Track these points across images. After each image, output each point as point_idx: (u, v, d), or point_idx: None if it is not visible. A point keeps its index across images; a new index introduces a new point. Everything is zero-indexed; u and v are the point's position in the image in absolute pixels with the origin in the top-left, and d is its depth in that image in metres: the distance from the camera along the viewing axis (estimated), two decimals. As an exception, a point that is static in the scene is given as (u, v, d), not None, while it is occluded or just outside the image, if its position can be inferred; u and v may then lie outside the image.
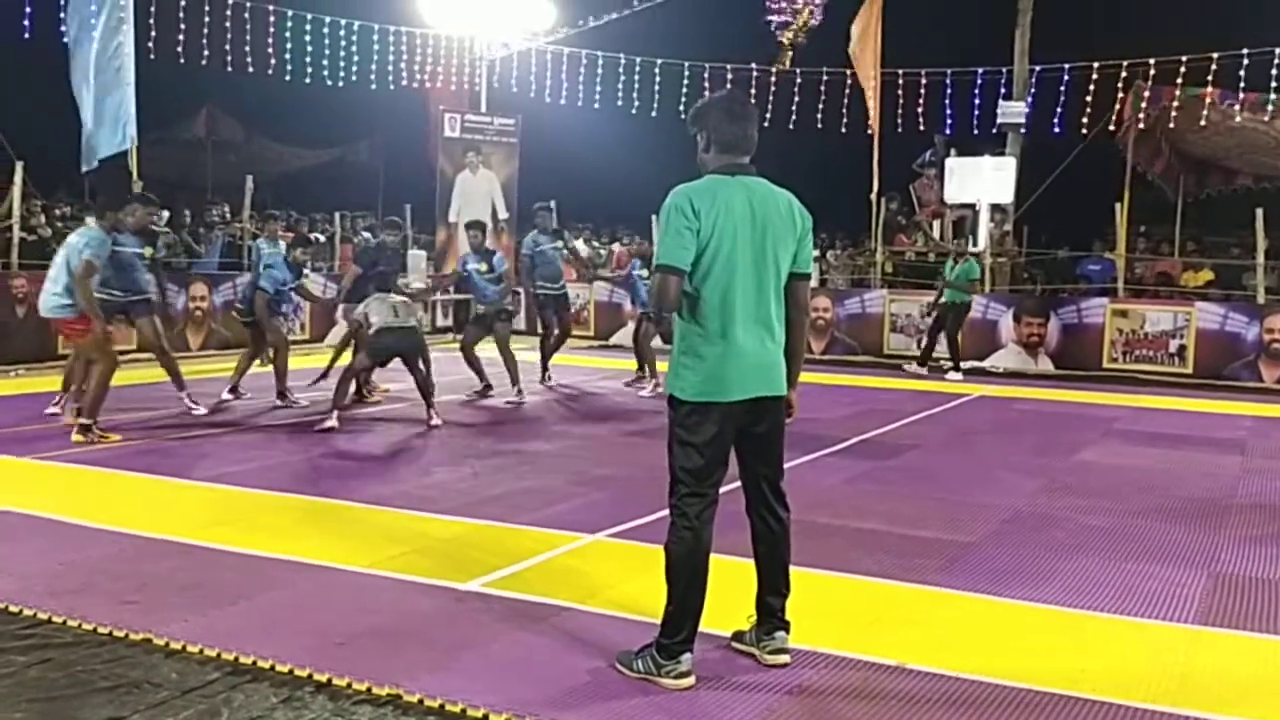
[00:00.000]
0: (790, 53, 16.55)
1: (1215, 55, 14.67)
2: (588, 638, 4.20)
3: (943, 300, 13.85)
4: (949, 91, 16.99)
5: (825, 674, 3.93)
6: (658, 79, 17.89)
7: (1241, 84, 14.64)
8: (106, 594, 4.54)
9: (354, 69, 17.03)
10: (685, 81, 17.74)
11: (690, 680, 3.78)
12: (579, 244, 18.19)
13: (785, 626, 4.04)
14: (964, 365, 14.67)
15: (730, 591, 4.22)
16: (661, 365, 7.94)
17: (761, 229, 3.81)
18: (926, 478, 7.57)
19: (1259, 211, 14.56)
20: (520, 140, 17.92)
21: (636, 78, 17.96)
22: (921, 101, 17.04)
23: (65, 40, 13.62)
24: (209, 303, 14.31)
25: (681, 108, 17.74)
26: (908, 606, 4.74)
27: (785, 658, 3.98)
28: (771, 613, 4.04)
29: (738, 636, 4.13)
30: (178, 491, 6.57)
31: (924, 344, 14.42)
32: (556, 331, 12.33)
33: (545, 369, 12.13)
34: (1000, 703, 3.71)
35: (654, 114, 17.97)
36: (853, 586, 5.00)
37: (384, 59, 17.33)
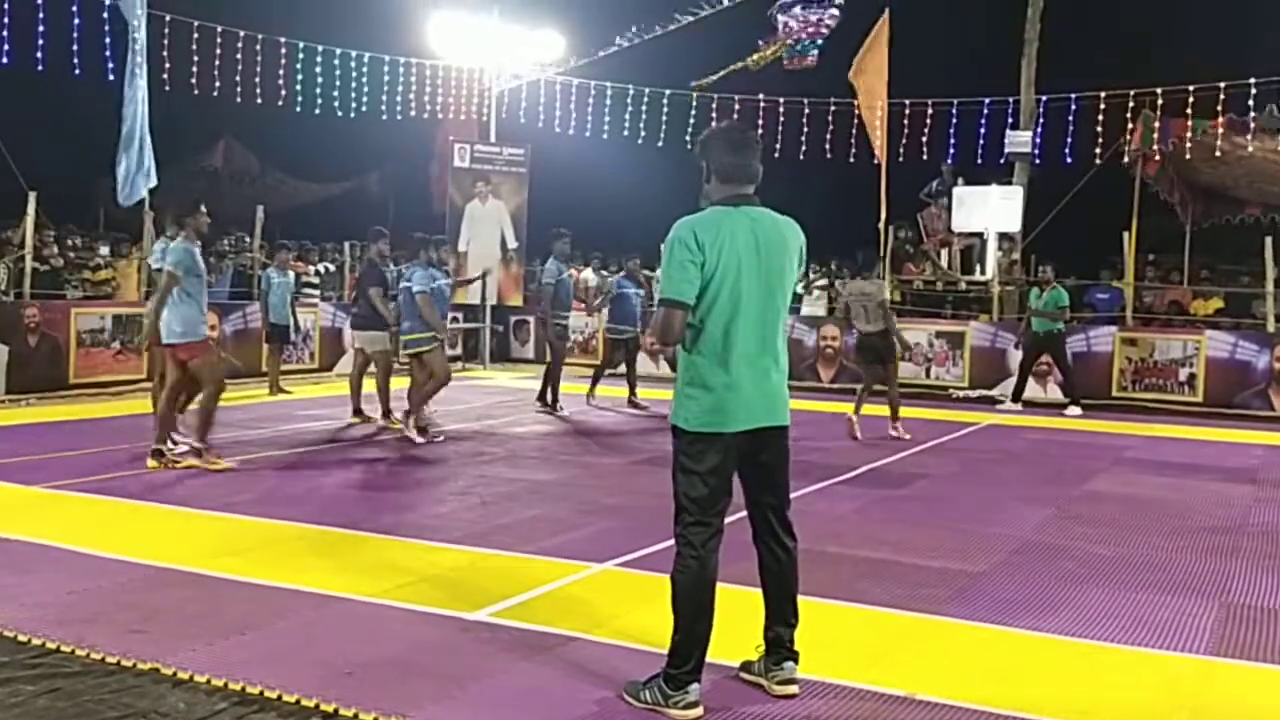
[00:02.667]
0: (753, 62, 16.60)
1: (1223, 85, 14.71)
2: (595, 668, 4.19)
3: (1033, 330, 13.74)
4: (955, 121, 17.05)
5: (835, 705, 3.91)
6: (665, 109, 18.02)
7: (1251, 114, 14.66)
8: (115, 623, 4.54)
9: (364, 100, 17.18)
10: (693, 111, 17.86)
11: (698, 711, 3.76)
12: (588, 273, 18.26)
13: (794, 657, 4.02)
14: (974, 394, 14.66)
15: (739, 621, 4.21)
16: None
17: (766, 260, 3.82)
18: (936, 507, 7.55)
19: (1268, 240, 14.55)
20: (529, 170, 18.03)
21: (644, 108, 18.08)
22: (928, 131, 17.11)
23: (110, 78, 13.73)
24: (219, 331, 14.37)
25: (689, 137, 17.87)
26: (917, 637, 4.72)
27: (794, 688, 3.97)
28: (780, 643, 4.02)
29: (746, 667, 4.11)
30: (187, 521, 6.58)
31: (1016, 379, 14.04)
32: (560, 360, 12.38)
33: (558, 398, 12.17)
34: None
35: (660, 144, 18.07)
36: (862, 616, 4.98)
37: (394, 90, 17.49)
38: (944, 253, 17.05)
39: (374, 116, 17.59)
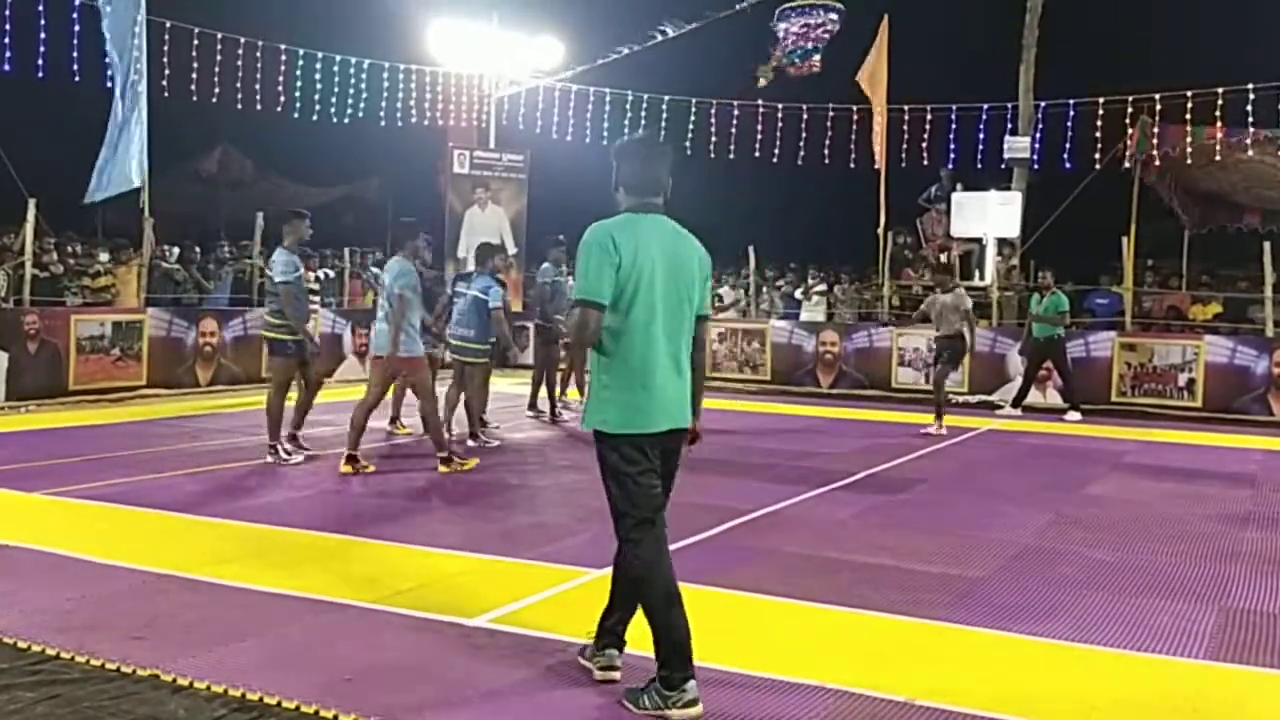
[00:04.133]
0: (767, 76, 16.63)
1: (1221, 90, 14.74)
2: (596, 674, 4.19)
3: (1034, 336, 13.77)
4: (954, 127, 17.09)
5: (835, 709, 3.91)
6: (665, 115, 18.05)
7: (1250, 119, 14.68)
8: (114, 630, 4.54)
9: (363, 107, 17.22)
10: (692, 117, 17.90)
11: (698, 709, 3.78)
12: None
13: (620, 645, 4.13)
14: (973, 399, 14.67)
15: (739, 626, 4.21)
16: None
17: (675, 267, 3.93)
18: (935, 512, 7.55)
19: (1267, 245, 14.57)
20: (529, 176, 18.05)
21: (644, 113, 18.12)
22: (927, 137, 17.14)
23: (110, 84, 13.77)
24: (219, 338, 14.38)
25: (689, 143, 17.90)
26: (916, 642, 4.72)
27: (616, 674, 4.07)
28: (614, 631, 4.15)
29: (581, 651, 4.23)
30: (187, 527, 6.58)
31: (1020, 385, 14.09)
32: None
33: (555, 405, 12.13)
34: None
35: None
36: (861, 622, 4.98)
37: (394, 97, 17.53)
38: (943, 258, 17.07)
39: (373, 122, 17.62)
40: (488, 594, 5.21)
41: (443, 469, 8.52)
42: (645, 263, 3.85)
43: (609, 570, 5.64)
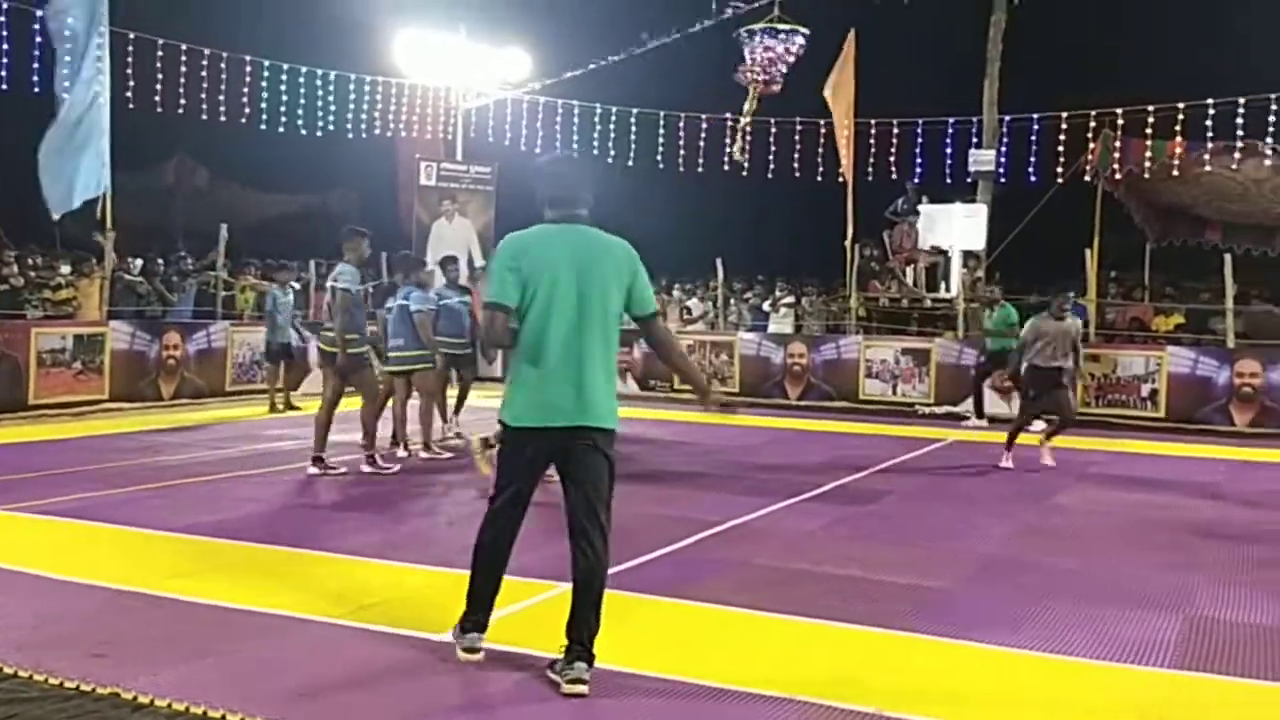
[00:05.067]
0: (747, 128, 16.88)
1: (1182, 105, 14.94)
2: (565, 687, 4.16)
3: (989, 349, 13.86)
4: (920, 140, 17.22)
5: (802, 723, 3.91)
6: (634, 129, 18.08)
7: (1209, 134, 14.89)
8: (74, 648, 4.46)
9: (330, 118, 17.13)
10: (661, 131, 17.94)
11: (474, 657, 4.32)
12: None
13: (588, 658, 4.14)
14: (939, 410, 14.78)
15: (715, 638, 4.19)
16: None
17: (581, 273, 4.19)
18: (902, 523, 7.58)
19: (1228, 257, 14.79)
20: (496, 188, 18.01)
21: (612, 127, 18.13)
22: (894, 150, 17.26)
23: (63, 95, 13.55)
24: (182, 351, 14.22)
25: (659, 157, 17.95)
26: (883, 653, 4.73)
27: (583, 688, 4.08)
28: (578, 642, 4.17)
29: (552, 665, 4.26)
30: (148, 542, 6.49)
31: (973, 397, 14.22)
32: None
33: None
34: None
35: (630, 163, 18.13)
36: (829, 633, 4.97)
37: (359, 108, 17.45)
38: (909, 270, 17.19)
39: (340, 134, 17.53)
40: (455, 608, 5.12)
41: (313, 470, 8.87)
42: (545, 270, 4.15)
43: (568, 585, 5.63)
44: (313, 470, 8.88)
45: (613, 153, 18.14)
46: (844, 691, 4.17)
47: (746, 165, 17.39)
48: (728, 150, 17.29)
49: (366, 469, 9.03)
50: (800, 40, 16.19)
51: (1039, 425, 13.23)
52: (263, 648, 4.58)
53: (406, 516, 7.50)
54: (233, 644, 4.59)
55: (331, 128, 17.22)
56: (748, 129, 17.11)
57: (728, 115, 17.64)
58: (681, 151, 18.04)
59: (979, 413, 13.99)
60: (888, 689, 4.23)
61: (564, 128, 18.27)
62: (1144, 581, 6.09)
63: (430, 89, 18.10)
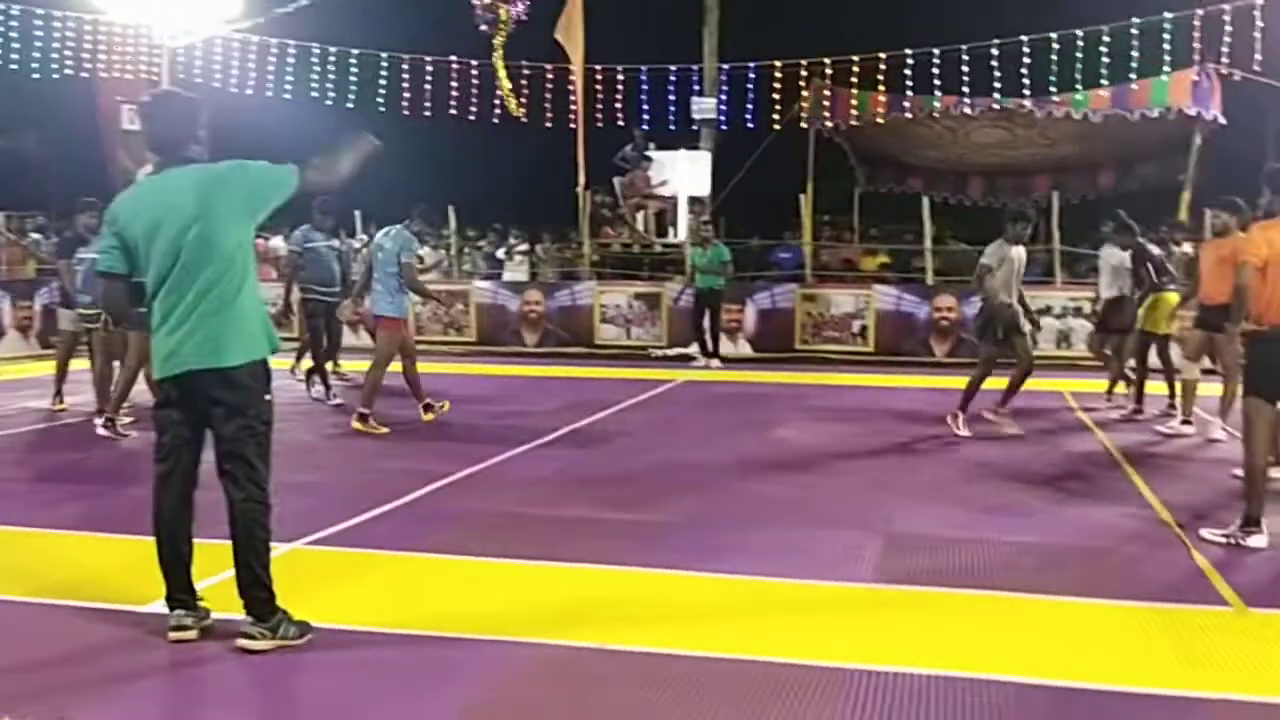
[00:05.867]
0: (504, 70, 16.61)
1: (883, 55, 15.88)
2: (281, 653, 4.06)
3: (698, 287, 14.17)
4: (645, 88, 17.51)
5: (527, 661, 3.97)
6: (354, 69, 17.40)
7: (909, 85, 15.92)
8: None
9: (13, 55, 15.57)
10: (383, 73, 17.37)
11: (181, 635, 4.11)
12: (277, 241, 17.35)
13: (256, 611, 4.10)
14: (671, 352, 15.21)
15: (446, 588, 4.16)
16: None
17: (179, 215, 3.99)
18: (632, 463, 7.79)
19: (925, 201, 15.98)
20: (209, 133, 16.91)
21: (331, 68, 17.38)
22: (620, 97, 17.46)
23: None
24: None
25: (380, 99, 17.38)
26: (608, 589, 4.87)
27: (244, 642, 4.06)
28: (240, 593, 4.15)
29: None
30: None
31: (698, 335, 14.39)
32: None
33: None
34: (693, 678, 3.88)
35: (350, 105, 17.47)
36: (556, 574, 5.07)
37: (48, 45, 15.94)
38: (640, 216, 17.54)
39: (25, 73, 15.98)
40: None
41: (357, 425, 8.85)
42: (142, 226, 4.01)
43: (299, 544, 5.48)
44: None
45: (332, 95, 17.41)
46: (564, 629, 4.27)
47: (525, 116, 17.05)
48: (502, 99, 16.87)
49: (102, 432, 8.57)
50: None
51: (716, 364, 13.74)
52: (-58, 636, 4.20)
53: (109, 486, 7.01)
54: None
55: (14, 66, 15.65)
56: (508, 70, 16.76)
57: (452, 58, 17.29)
58: (406, 94, 17.54)
59: (704, 351, 14.44)
60: (609, 624, 4.36)
61: (279, 68, 17.36)
62: (849, 504, 6.54)
63: (130, 26, 16.73)
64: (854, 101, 16.30)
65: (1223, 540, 5.56)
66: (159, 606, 4.41)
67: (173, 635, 4.14)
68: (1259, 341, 5.68)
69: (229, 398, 4.04)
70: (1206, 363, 9.12)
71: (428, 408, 9.31)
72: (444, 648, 4.13)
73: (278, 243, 17.24)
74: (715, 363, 14.16)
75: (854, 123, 16.51)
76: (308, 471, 7.30)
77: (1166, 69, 14.74)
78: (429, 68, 17.26)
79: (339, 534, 5.67)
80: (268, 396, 4.17)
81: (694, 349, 14.77)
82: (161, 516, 4.18)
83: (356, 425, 8.82)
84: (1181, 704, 3.70)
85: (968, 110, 15.99)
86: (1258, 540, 5.50)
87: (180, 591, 4.19)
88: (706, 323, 14.31)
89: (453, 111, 17.51)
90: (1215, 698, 3.73)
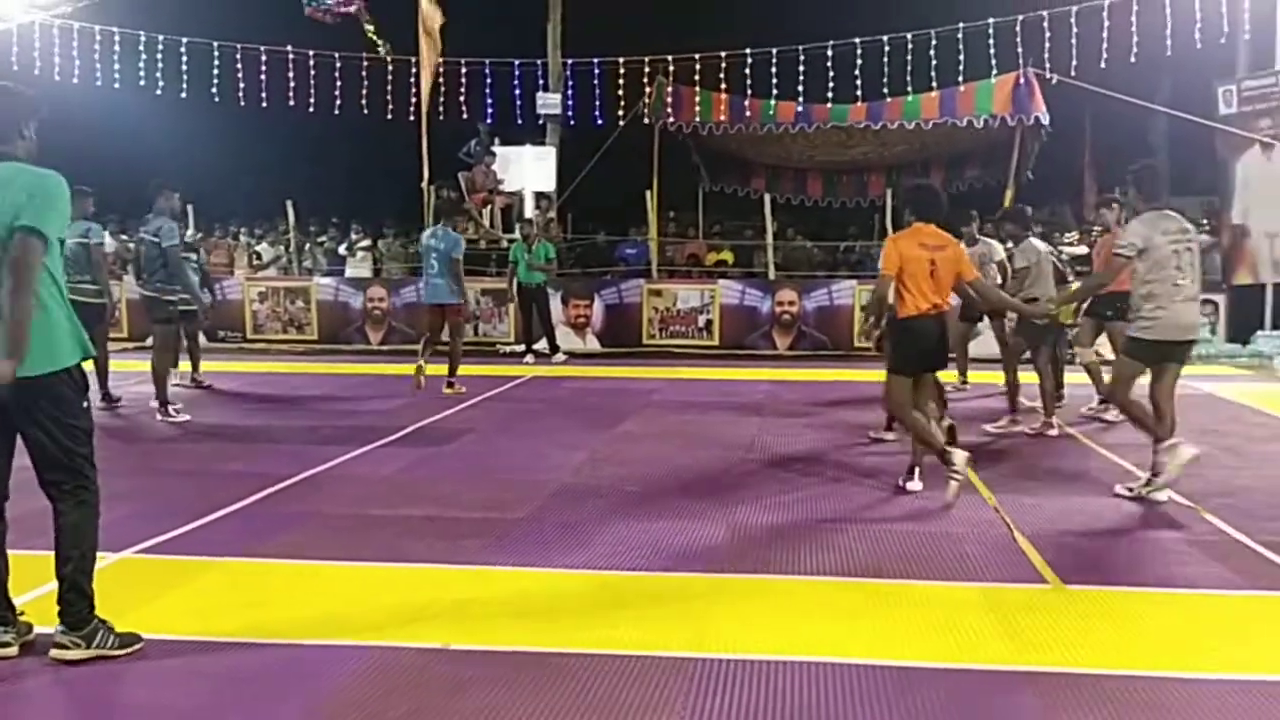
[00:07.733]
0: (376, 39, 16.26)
1: (723, 54, 16.17)
2: (105, 663, 3.89)
3: (521, 283, 14.09)
4: (490, 82, 17.37)
5: (372, 663, 3.92)
6: (185, 57, 16.70)
7: (748, 85, 16.26)
8: None
9: None
10: (216, 62, 16.72)
11: (3, 651, 3.94)
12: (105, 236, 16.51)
13: (68, 621, 3.97)
14: (518, 349, 15.15)
15: (286, 593, 4.05)
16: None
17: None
18: (479, 460, 7.74)
19: (767, 198, 16.37)
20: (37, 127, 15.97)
21: (160, 57, 16.64)
22: (464, 90, 17.29)
23: None
24: None
25: (214, 89, 16.76)
26: (455, 588, 4.83)
27: (57, 652, 3.95)
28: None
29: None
30: None
31: (521, 331, 14.38)
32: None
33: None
34: (551, 669, 3.89)
35: (183, 94, 16.77)
36: (400, 575, 5.01)
37: None
38: (486, 211, 17.40)
39: None
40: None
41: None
42: None
43: (128, 553, 5.25)
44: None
45: (162, 84, 16.67)
46: (412, 631, 4.23)
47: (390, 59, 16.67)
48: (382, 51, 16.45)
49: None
50: None
51: (560, 358, 13.87)
52: None
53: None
54: None
55: None
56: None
57: (289, 48, 16.79)
58: (242, 85, 16.94)
59: (529, 349, 14.42)
60: (456, 623, 4.33)
61: (104, 57, 16.53)
62: (695, 495, 6.65)
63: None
64: (697, 100, 16.56)
65: (1128, 494, 6.51)
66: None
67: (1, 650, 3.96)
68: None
69: (45, 407, 3.87)
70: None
71: (450, 384, 11.05)
72: (286, 654, 4.03)
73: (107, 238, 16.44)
74: (559, 357, 14.16)
75: (698, 120, 16.77)
76: (139, 476, 7.00)
77: (994, 72, 15.49)
78: (263, 58, 16.71)
79: (171, 541, 5.46)
80: (85, 404, 4.00)
81: (521, 347, 14.69)
82: None
83: (447, 390, 10.90)
84: (1006, 679, 3.90)
85: (806, 129, 16.59)
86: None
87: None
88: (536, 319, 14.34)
89: (290, 103, 17.00)
90: (1037, 671, 3.95)
